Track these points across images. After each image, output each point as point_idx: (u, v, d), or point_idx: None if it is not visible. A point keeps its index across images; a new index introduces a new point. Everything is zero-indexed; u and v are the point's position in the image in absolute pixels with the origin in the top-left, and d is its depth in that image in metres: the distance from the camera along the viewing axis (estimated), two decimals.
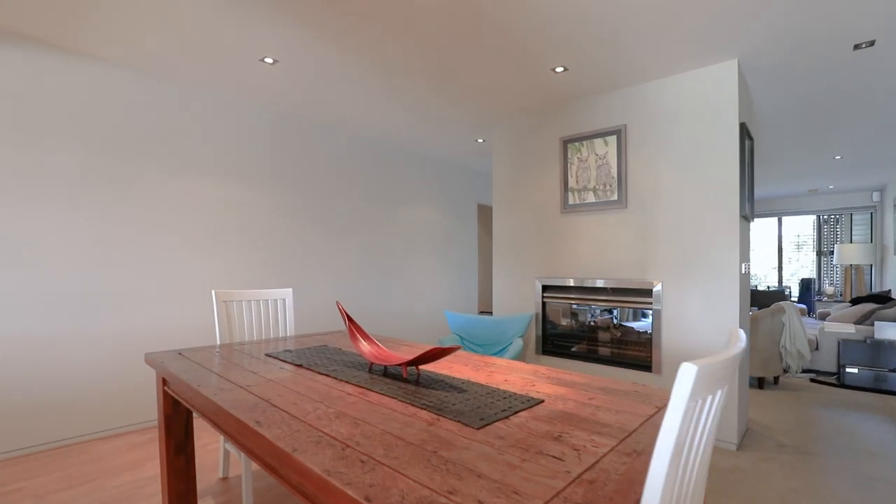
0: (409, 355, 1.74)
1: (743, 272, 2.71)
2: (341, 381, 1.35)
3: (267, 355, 1.72)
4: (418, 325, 4.85)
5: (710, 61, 2.66)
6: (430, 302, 5.00)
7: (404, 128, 4.01)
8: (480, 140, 4.32)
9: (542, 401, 1.18)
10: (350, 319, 1.59)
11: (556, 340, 3.48)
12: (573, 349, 3.40)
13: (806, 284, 7.39)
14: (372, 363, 1.50)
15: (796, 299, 7.91)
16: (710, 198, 2.70)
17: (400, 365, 1.38)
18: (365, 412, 1.07)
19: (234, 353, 1.79)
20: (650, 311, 2.98)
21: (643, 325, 3.10)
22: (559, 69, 2.79)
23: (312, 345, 1.97)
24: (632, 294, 3.05)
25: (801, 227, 7.88)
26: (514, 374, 1.48)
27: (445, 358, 1.71)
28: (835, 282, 7.45)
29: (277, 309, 2.37)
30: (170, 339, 2.93)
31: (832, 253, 7.47)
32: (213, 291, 2.12)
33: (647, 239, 2.96)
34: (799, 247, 7.92)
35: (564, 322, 3.47)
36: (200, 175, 3.10)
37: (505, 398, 1.19)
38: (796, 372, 4.02)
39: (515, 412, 1.08)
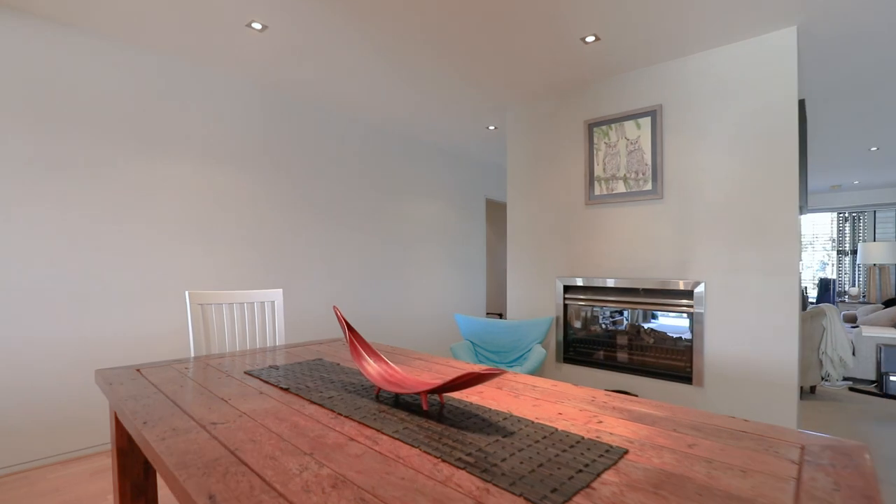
0: (428, 376, 1.40)
1: (799, 271, 2.37)
2: (340, 415, 1.00)
3: (247, 373, 1.37)
4: (423, 329, 4.50)
5: (766, 29, 2.32)
6: (434, 303, 4.65)
7: (408, 110, 3.66)
8: (492, 127, 3.97)
9: (626, 451, 0.83)
10: (350, 329, 1.24)
11: (578, 347, 3.14)
12: (599, 357, 3.05)
13: (825, 285, 7.06)
14: (379, 389, 1.15)
15: (814, 300, 7.59)
16: (764, 186, 2.36)
17: (420, 394, 1.03)
18: (376, 475, 0.72)
19: (207, 369, 1.44)
20: (690, 315, 2.63)
21: (679, 329, 2.76)
22: (590, 38, 2.44)
23: (305, 357, 1.62)
24: (668, 295, 2.70)
25: (818, 226, 7.56)
26: (566, 401, 1.13)
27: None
28: (857, 282, 7.12)
29: (265, 313, 2.02)
30: (141, 347, 2.58)
31: (853, 252, 7.14)
32: (186, 292, 1.76)
33: (686, 233, 2.62)
34: (814, 245, 7.60)
35: (589, 326, 3.13)
36: (179, 160, 2.75)
37: (572, 446, 0.84)
38: (836, 380, 3.69)
39: (598, 473, 0.73)
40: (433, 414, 1.01)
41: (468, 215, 5.12)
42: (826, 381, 3.71)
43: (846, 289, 7.08)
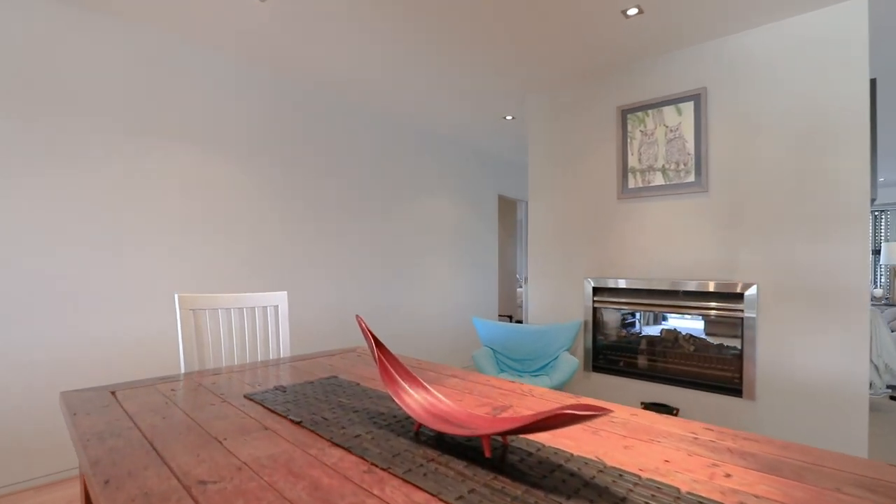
0: (473, 401, 1.14)
1: (869, 272, 2.11)
2: (375, 466, 0.74)
3: (248, 397, 1.11)
4: (435, 333, 4.24)
5: (832, 0, 2.06)
6: (446, 306, 4.39)
7: (419, 98, 3.40)
8: (509, 117, 3.71)
9: None
10: (379, 346, 0.98)
11: (609, 354, 2.87)
12: (632, 365, 2.79)
13: None
14: (420, 424, 0.89)
15: None
16: (830, 177, 2.10)
17: (482, 437, 0.77)
18: None
19: (198, 391, 1.17)
20: (739, 320, 2.37)
21: (723, 336, 2.50)
22: (632, 11, 2.18)
23: (317, 374, 1.36)
24: (713, 298, 2.45)
25: None
26: (662, 440, 0.87)
27: (522, 403, 1.11)
28: (879, 283, 6.87)
29: (267, 319, 1.76)
30: (126, 357, 2.31)
31: (876, 252, 6.90)
32: (175, 295, 1.50)
33: (735, 230, 2.36)
34: None
35: (621, 332, 2.87)
36: (168, 145, 2.48)
37: None
38: (879, 389, 3.44)
39: None
40: (498, 462, 0.75)
41: (479, 213, 4.86)
42: (869, 390, 3.46)
43: (871, 290, 6.83)
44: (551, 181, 3.11)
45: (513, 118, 3.73)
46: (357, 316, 1.03)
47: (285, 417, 0.97)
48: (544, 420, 0.68)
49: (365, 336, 0.96)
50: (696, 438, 0.89)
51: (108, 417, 0.96)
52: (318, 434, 0.87)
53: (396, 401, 0.86)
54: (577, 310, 2.95)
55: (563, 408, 0.66)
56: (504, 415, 1.00)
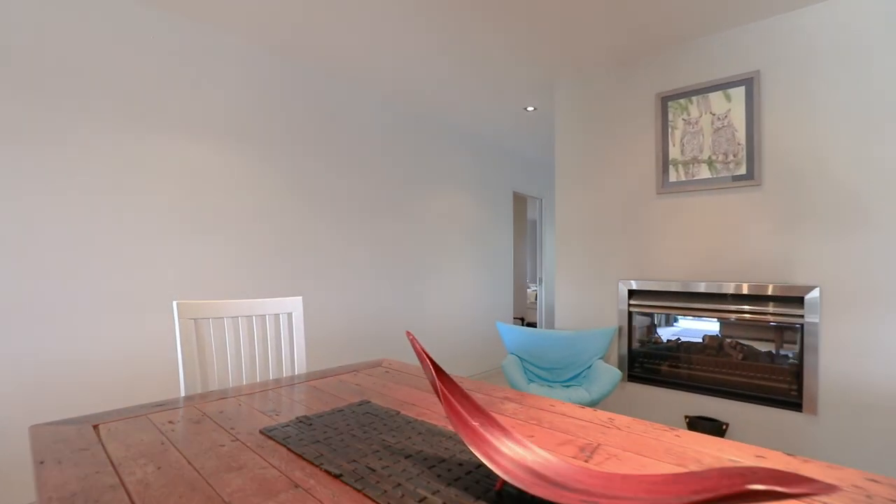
0: (552, 439, 0.91)
1: None
2: None
3: (264, 433, 0.89)
4: (453, 338, 4.01)
5: None
6: (461, 308, 4.16)
7: (435, 84, 3.17)
8: (531, 108, 3.49)
9: None
10: (440, 374, 0.75)
11: (646, 363, 2.65)
12: (672, 375, 2.57)
13: None
14: (504, 482, 0.66)
15: None
16: None
17: None
18: None
19: (202, 424, 0.95)
20: (799, 326, 2.15)
21: (760, 341, 2.28)
22: None
23: (344, 398, 1.13)
24: (767, 302, 2.22)
25: None
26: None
27: (610, 440, 0.88)
28: None
29: (280, 329, 1.53)
30: (114, 376, 2.08)
31: None
32: (174, 303, 1.27)
33: (793, 227, 2.14)
34: None
35: (659, 338, 2.65)
36: (161, 130, 2.25)
37: None
38: None
39: None
40: None
41: (495, 211, 4.63)
42: None
43: None
44: (581, 175, 2.89)
45: (534, 109, 3.51)
46: (408, 333, 0.80)
47: (319, 468, 0.74)
48: (728, 494, 0.45)
49: (422, 361, 0.74)
50: (868, 498, 0.67)
51: (85, 468, 0.73)
52: (367, 496, 0.65)
53: (476, 452, 0.63)
54: (610, 314, 2.73)
55: (761, 478, 0.44)
56: (598, 459, 0.78)
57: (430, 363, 0.74)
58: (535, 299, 7.35)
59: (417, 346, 0.75)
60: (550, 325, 5.48)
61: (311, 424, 0.93)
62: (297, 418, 0.97)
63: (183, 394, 1.23)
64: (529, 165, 5.24)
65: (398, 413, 1.01)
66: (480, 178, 4.43)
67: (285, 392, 1.19)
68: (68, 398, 1.92)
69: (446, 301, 3.98)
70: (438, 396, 0.70)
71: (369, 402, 1.09)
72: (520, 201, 6.85)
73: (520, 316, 6.35)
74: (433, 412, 1.03)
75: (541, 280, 5.31)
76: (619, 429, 0.94)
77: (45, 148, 1.89)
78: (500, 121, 3.80)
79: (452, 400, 0.73)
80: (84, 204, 1.98)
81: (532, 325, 6.45)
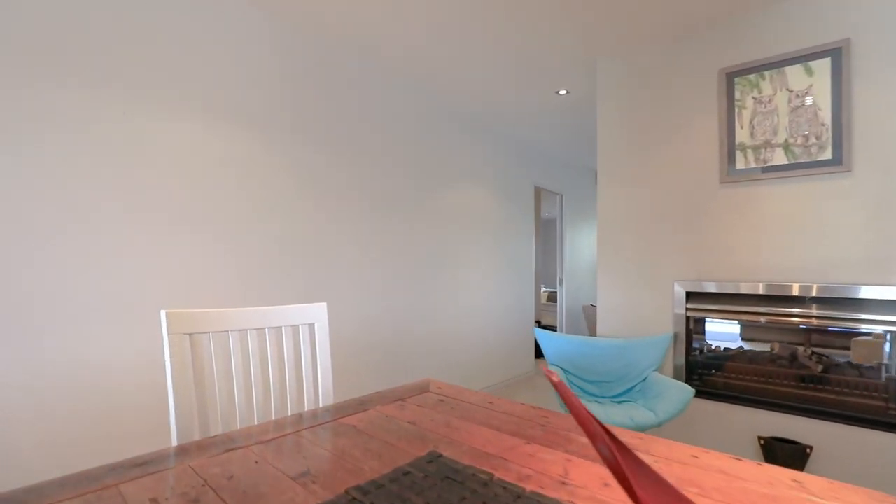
0: None
1: None
2: None
3: None
4: (476, 346, 3.68)
5: None
6: (485, 312, 3.84)
7: (459, 66, 2.85)
8: (563, 91, 3.17)
9: None
10: (622, 450, 0.43)
11: (706, 375, 2.34)
12: (740, 389, 2.26)
13: None
14: None
15: None
16: None
17: None
18: None
19: (200, 503, 0.62)
20: (893, 334, 1.85)
21: (832, 348, 1.97)
22: None
23: (402, 448, 0.81)
24: (856, 307, 1.92)
25: None
26: None
27: None
28: None
29: (300, 345, 1.21)
30: (97, 402, 1.75)
31: None
32: (162, 313, 0.94)
33: (891, 219, 1.84)
34: None
35: (723, 347, 2.34)
36: (160, 112, 1.93)
37: None
38: None
39: None
40: None
41: (516, 207, 4.31)
42: None
43: None
44: (628, 164, 2.57)
45: (567, 93, 3.19)
46: (546, 370, 0.49)
47: None
48: None
49: (588, 430, 0.42)
50: None
51: None
52: None
53: None
54: (662, 319, 2.42)
55: None
56: None
57: (604, 434, 0.42)
58: (548, 300, 7.04)
59: (575, 402, 0.43)
60: (572, 330, 5.17)
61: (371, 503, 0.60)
62: (346, 491, 0.64)
63: (175, 441, 0.90)
64: (550, 158, 4.93)
65: (492, 477, 0.68)
66: (501, 172, 4.11)
67: (316, 436, 0.87)
68: (45, 429, 1.58)
69: (466, 304, 3.66)
70: (630, 494, 0.39)
71: (440, 455, 0.77)
72: (536, 194, 6.53)
73: (537, 318, 6.04)
74: (528, 466, 0.71)
75: (561, 281, 5.00)
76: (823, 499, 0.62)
77: (32, 130, 1.55)
78: (527, 106, 3.47)
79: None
80: (52, 192, 1.65)
81: (549, 328, 6.14)
